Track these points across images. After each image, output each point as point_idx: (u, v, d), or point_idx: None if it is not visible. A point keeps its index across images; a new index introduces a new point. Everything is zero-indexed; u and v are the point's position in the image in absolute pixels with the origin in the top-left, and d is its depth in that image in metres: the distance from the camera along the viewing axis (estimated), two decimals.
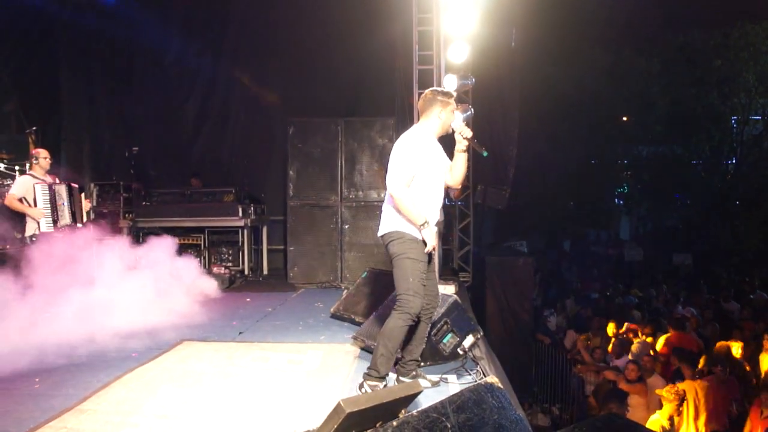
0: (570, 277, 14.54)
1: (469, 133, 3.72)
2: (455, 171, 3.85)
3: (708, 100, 18.91)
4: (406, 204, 3.60)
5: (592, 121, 18.74)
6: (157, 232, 8.58)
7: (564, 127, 18.21)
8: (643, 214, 22.22)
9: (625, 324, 9.83)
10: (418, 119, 3.95)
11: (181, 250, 7.91)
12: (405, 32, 7.98)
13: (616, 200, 23.06)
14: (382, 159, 8.68)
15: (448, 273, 9.07)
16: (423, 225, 3.58)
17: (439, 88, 3.90)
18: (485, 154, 3.78)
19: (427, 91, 3.86)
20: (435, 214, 3.78)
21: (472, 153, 8.83)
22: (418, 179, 3.69)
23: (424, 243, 3.72)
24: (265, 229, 10.08)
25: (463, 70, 8.17)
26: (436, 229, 3.73)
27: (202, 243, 9.34)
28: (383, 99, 9.58)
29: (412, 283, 3.60)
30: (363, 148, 9.01)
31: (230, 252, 9.40)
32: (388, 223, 3.74)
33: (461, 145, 3.76)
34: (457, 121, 3.78)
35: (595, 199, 20.22)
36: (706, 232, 19.15)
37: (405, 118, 8.74)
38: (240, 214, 9.15)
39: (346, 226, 9.00)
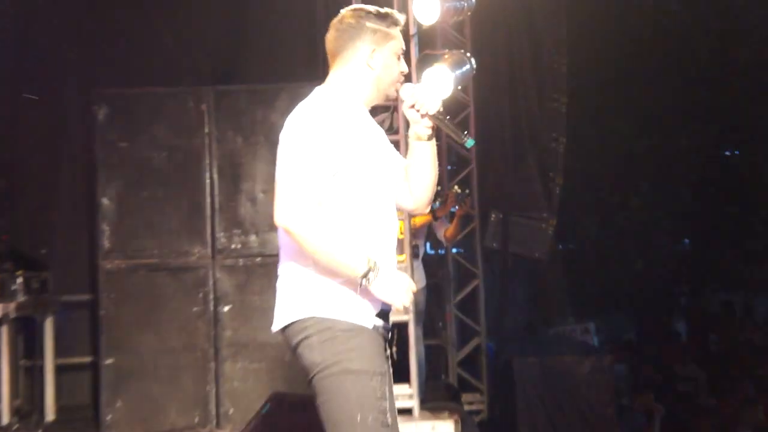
0: (696, 393, 11.70)
1: (432, 106, 3.00)
2: (416, 178, 3.15)
3: None
4: (318, 239, 2.89)
5: (712, 77, 14.86)
6: None
7: (663, 94, 14.59)
8: None
9: None
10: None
11: None
12: None
13: None
14: None
15: (439, 394, 7.85)
16: (367, 274, 2.82)
17: (367, 7, 3.14)
18: (469, 143, 3.08)
19: (344, 12, 3.15)
20: (389, 256, 3.07)
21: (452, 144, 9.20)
22: (344, 190, 2.96)
23: (385, 325, 3.09)
24: (49, 324, 7.99)
25: None
26: (405, 276, 3.06)
27: None
28: (292, 50, 8.29)
29: (364, 429, 2.94)
30: (256, 144, 7.55)
31: None
32: (292, 300, 3.05)
33: (420, 128, 3.04)
34: (416, 88, 3.11)
35: (743, 230, 16.02)
36: None
37: None
38: None
39: (226, 308, 7.42)
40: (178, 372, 7.30)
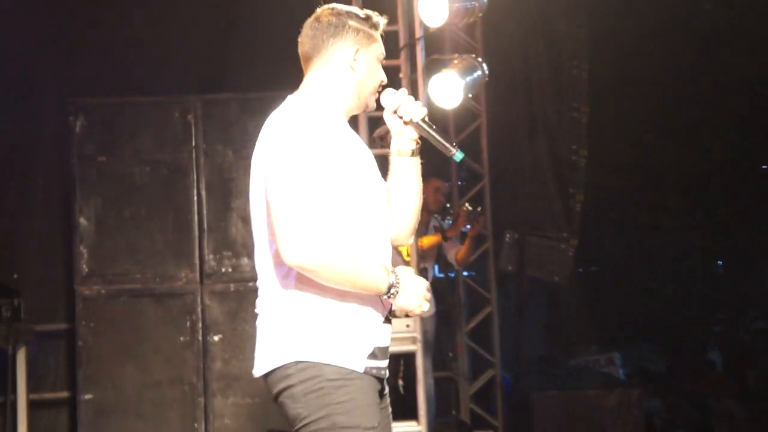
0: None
1: (417, 112, 2.91)
2: (398, 201, 3.07)
3: None
4: (339, 269, 2.72)
5: (749, 84, 13.92)
6: None
7: (694, 102, 14.04)
8: None
9: None
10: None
11: None
12: None
13: None
14: None
15: None
16: (391, 289, 2.70)
17: (347, 7, 3.07)
18: (458, 157, 3.00)
19: (321, 10, 3.02)
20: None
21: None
22: (336, 208, 2.83)
23: (380, 364, 2.96)
24: (22, 356, 7.92)
25: None
26: (419, 279, 2.89)
27: None
28: (286, 55, 7.18)
29: None
30: (247, 157, 7.07)
31: None
32: (273, 343, 2.86)
33: (402, 140, 2.99)
34: (399, 93, 2.95)
35: None
36: None
37: None
38: None
39: (216, 338, 7.59)
40: (164, 408, 7.26)
